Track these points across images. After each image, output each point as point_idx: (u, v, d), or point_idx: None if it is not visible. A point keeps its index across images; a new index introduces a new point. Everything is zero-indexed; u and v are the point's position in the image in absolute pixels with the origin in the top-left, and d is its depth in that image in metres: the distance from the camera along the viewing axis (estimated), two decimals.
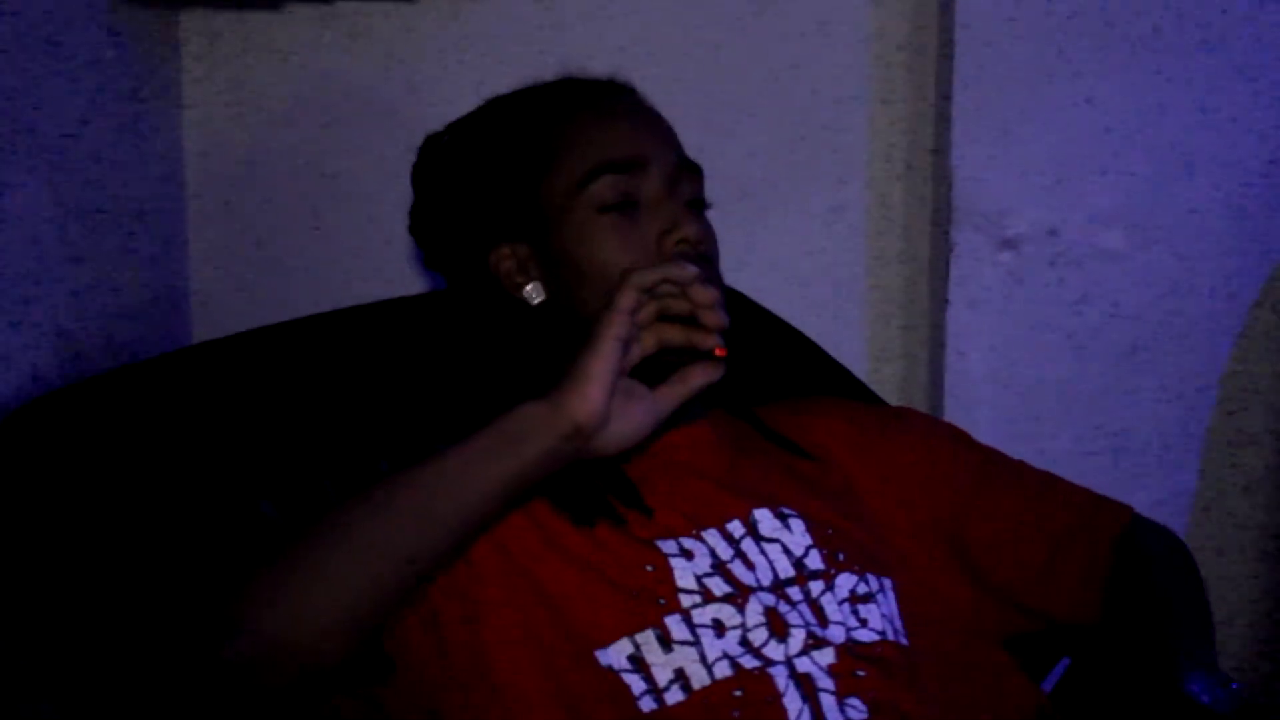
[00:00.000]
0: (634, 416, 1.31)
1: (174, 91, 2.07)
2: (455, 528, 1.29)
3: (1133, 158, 2.09)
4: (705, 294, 1.30)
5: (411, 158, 1.58)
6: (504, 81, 1.58)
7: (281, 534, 1.33)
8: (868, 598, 1.39)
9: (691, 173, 1.49)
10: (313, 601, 1.23)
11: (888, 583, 1.42)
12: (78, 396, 1.59)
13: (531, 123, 1.49)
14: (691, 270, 1.31)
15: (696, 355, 1.34)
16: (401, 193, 1.60)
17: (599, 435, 1.29)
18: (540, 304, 1.47)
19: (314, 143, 2.11)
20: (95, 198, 1.83)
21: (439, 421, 1.60)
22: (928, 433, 1.59)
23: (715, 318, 1.31)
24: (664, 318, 1.32)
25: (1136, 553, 1.50)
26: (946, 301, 2.09)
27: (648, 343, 1.31)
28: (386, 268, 2.11)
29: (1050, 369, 2.12)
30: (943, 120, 2.09)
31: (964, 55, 2.04)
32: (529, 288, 1.47)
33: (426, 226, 1.56)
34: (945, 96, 2.07)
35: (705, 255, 1.44)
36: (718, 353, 1.33)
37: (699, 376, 1.33)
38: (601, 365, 1.27)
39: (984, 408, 2.11)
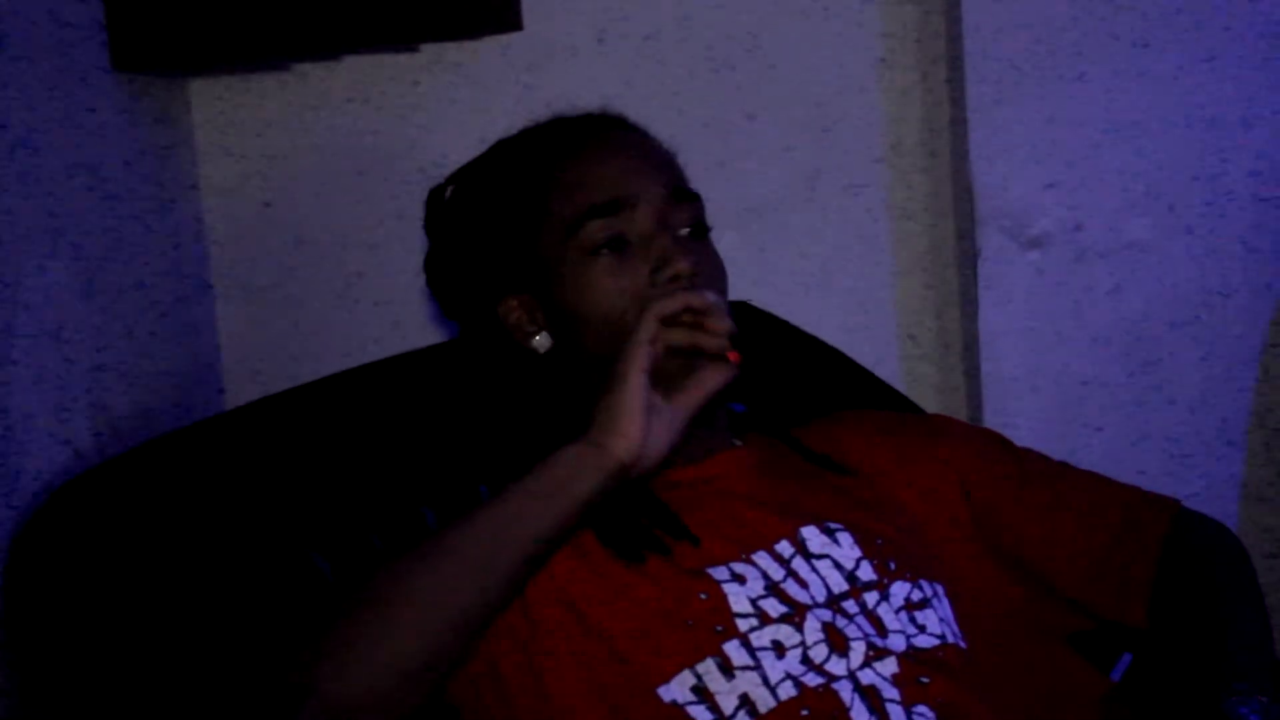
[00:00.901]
0: (660, 432, 1.35)
1: (190, 160, 2.09)
2: (511, 575, 1.31)
3: (1154, 148, 2.07)
4: (720, 322, 1.36)
5: (415, 207, 1.60)
6: (510, 121, 1.59)
7: (338, 593, 1.34)
8: (924, 604, 1.39)
9: (685, 201, 1.48)
10: (378, 660, 1.24)
11: (940, 588, 1.42)
12: (118, 469, 1.60)
13: (521, 172, 1.50)
14: (710, 298, 1.36)
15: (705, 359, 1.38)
16: (419, 242, 1.61)
17: (641, 460, 1.33)
18: (549, 351, 1.49)
19: (329, 198, 2.12)
20: (120, 273, 1.84)
21: (471, 468, 1.62)
22: (966, 438, 1.58)
23: (720, 323, 1.35)
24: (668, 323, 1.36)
25: (1187, 551, 1.49)
26: (977, 305, 2.08)
27: (655, 348, 1.35)
28: (411, 319, 2.12)
29: (1085, 365, 2.10)
30: (959, 123, 2.08)
31: (975, 53, 2.03)
32: (537, 338, 1.49)
33: (438, 278, 1.57)
34: (960, 98, 2.07)
35: (701, 287, 1.44)
36: (730, 357, 1.37)
37: (713, 378, 1.37)
38: (633, 401, 1.33)
39: (1022, 408, 2.10)
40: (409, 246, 2.02)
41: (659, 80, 2.13)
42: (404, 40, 2.05)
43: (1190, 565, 1.47)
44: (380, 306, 2.13)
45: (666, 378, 1.37)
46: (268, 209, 2.12)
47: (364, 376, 1.77)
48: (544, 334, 1.49)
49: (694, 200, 1.49)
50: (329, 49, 2.03)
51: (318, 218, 2.13)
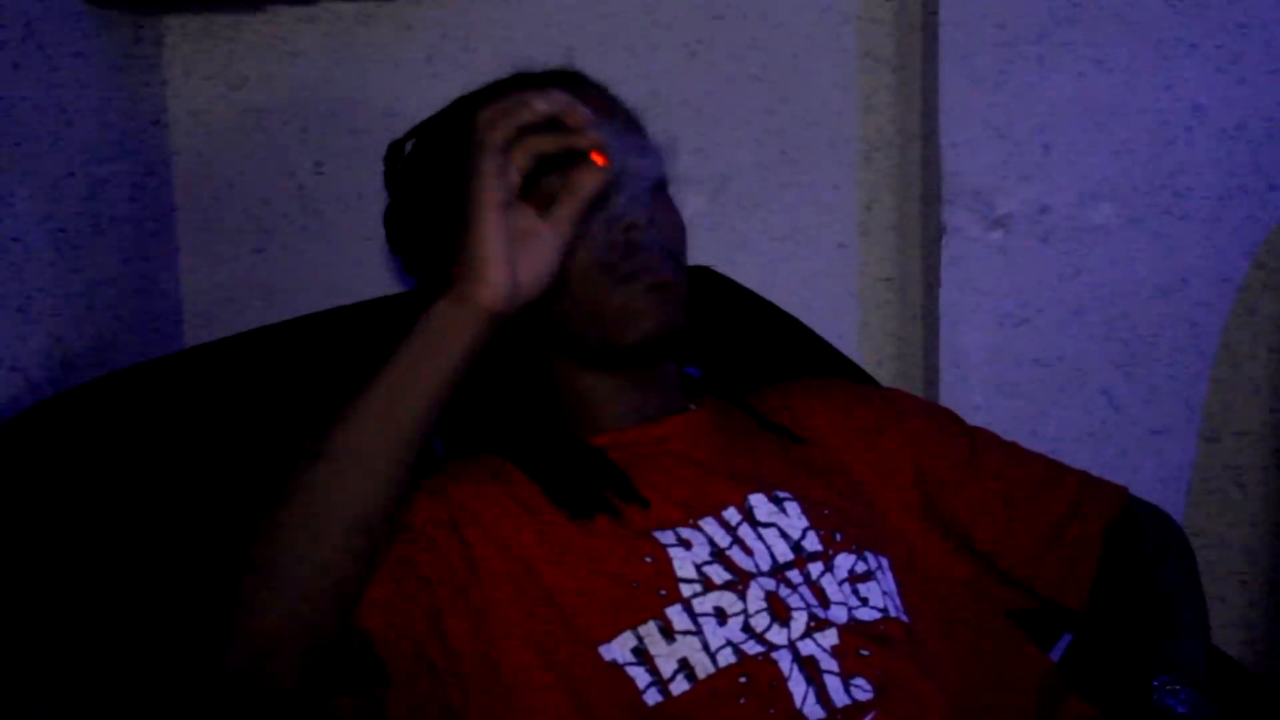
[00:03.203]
0: (535, 262, 1.28)
1: (159, 97, 2.07)
2: (404, 457, 1.27)
3: (1121, 131, 2.09)
4: (579, 112, 1.27)
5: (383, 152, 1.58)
6: (486, 77, 1.59)
7: (250, 514, 1.31)
8: (867, 576, 1.39)
9: None
10: (293, 583, 1.21)
11: (885, 560, 1.42)
12: (72, 402, 1.59)
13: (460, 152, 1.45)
14: (555, 94, 1.26)
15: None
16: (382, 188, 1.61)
17: (516, 298, 1.27)
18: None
19: (300, 143, 2.11)
20: (83, 206, 1.83)
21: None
22: (916, 412, 1.59)
23: (579, 115, 1.27)
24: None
25: (1130, 538, 1.50)
26: (939, 282, 2.08)
27: (520, 162, 1.26)
28: (376, 268, 2.11)
29: (1045, 347, 2.12)
30: (929, 100, 2.09)
31: (948, 33, 2.04)
32: None
33: (397, 234, 1.56)
34: (931, 76, 2.07)
35: (656, 239, 1.43)
36: (597, 160, 1.28)
37: (589, 182, 1.29)
38: (488, 244, 1.25)
39: (979, 387, 2.11)
40: (380, 194, 2.01)
41: (636, 44, 2.13)
42: None
43: (1132, 553, 1.49)
44: (348, 254, 2.12)
45: (547, 198, 1.31)
46: (236, 151, 2.11)
47: (326, 322, 1.77)
48: None
49: (651, 152, 1.45)
50: None
51: (287, 163, 2.11)
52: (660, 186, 1.47)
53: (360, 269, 2.11)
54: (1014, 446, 1.58)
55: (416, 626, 1.31)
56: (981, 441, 1.57)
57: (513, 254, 1.26)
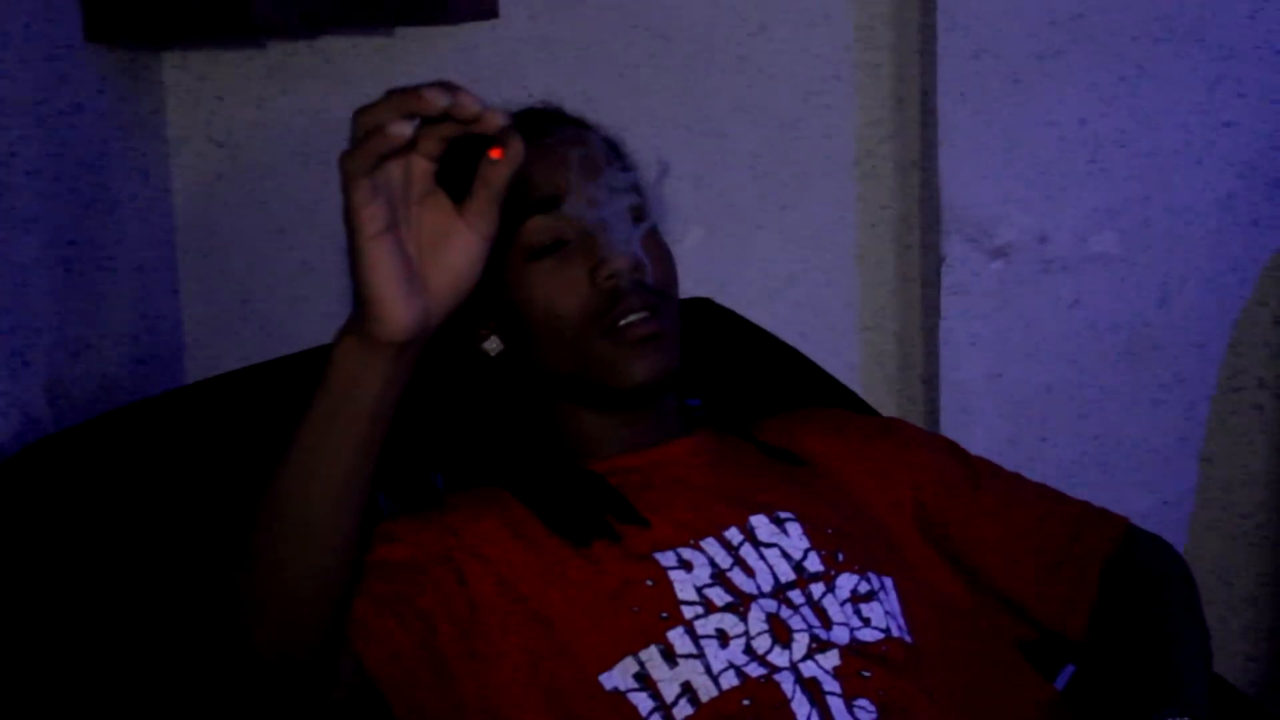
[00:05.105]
0: (460, 252, 1.14)
1: (159, 134, 2.08)
2: (344, 503, 1.18)
3: (1119, 161, 2.09)
4: (470, 103, 1.08)
5: None
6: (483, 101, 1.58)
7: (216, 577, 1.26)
8: (869, 596, 1.39)
9: (620, 188, 1.44)
10: (270, 644, 1.20)
11: (889, 581, 1.42)
12: (73, 440, 1.59)
13: None
14: (437, 90, 1.07)
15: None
16: None
17: (430, 316, 1.14)
18: (499, 355, 1.47)
19: (297, 177, 2.12)
20: (86, 245, 1.83)
21: (423, 455, 1.60)
22: (919, 442, 1.59)
23: (470, 103, 1.08)
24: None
25: (1131, 569, 1.49)
26: (939, 312, 2.08)
27: (429, 148, 1.11)
28: None
29: (1045, 376, 2.12)
30: (929, 130, 2.09)
31: (947, 64, 2.05)
32: (486, 342, 1.47)
33: None
34: (930, 106, 2.08)
35: (642, 283, 1.41)
36: (495, 154, 1.12)
37: (502, 167, 1.13)
38: (378, 277, 1.10)
39: (980, 417, 2.11)
40: None
41: (630, 73, 2.13)
42: (381, 22, 2.05)
43: (1134, 584, 1.48)
44: (347, 288, 2.12)
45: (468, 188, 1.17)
46: (236, 185, 2.12)
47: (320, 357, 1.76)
48: (494, 338, 1.47)
49: (631, 187, 1.45)
50: (304, 28, 2.03)
51: (286, 195, 2.12)
52: (643, 218, 1.45)
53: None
54: (1015, 477, 1.58)
55: (415, 659, 1.31)
56: (983, 472, 1.56)
57: (415, 271, 1.13)
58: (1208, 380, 2.17)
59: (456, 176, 1.15)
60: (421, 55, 2.11)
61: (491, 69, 2.11)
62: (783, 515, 1.42)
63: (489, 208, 1.14)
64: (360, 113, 1.09)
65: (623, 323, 1.41)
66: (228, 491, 1.59)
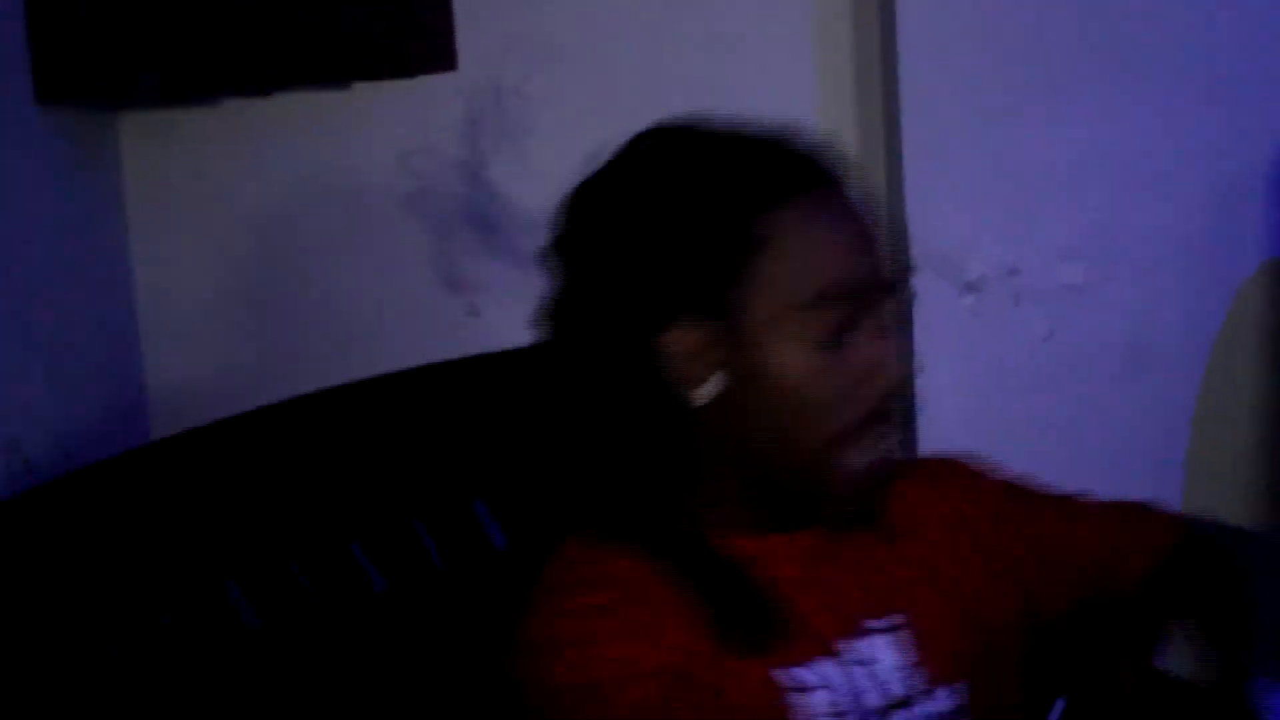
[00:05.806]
0: None
1: (117, 195, 2.06)
2: None
3: (1089, 190, 2.09)
4: None
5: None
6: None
7: None
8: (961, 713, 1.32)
9: (897, 285, 1.33)
10: None
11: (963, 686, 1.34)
12: (32, 503, 1.56)
13: (732, 187, 1.25)
14: None
15: None
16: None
17: None
18: (705, 405, 1.25)
19: (258, 233, 2.10)
20: (43, 310, 1.80)
21: (465, 483, 1.56)
22: (978, 477, 1.52)
23: None
24: None
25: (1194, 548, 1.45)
26: (912, 348, 2.07)
27: None
28: (341, 357, 2.09)
29: (1022, 409, 2.11)
30: (894, 166, 2.08)
31: (911, 96, 2.04)
32: (705, 385, 1.24)
33: (578, 300, 1.28)
34: (895, 142, 2.07)
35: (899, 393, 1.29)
36: None
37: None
38: None
39: (957, 452, 2.09)
40: (342, 284, 2.00)
41: (593, 119, 2.12)
42: (337, 80, 2.03)
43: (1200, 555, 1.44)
44: (312, 343, 2.10)
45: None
46: (196, 245, 2.10)
47: (291, 411, 1.74)
48: (715, 379, 1.24)
49: (906, 284, 1.37)
50: (260, 86, 2.01)
51: (247, 254, 2.10)
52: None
53: (326, 358, 2.08)
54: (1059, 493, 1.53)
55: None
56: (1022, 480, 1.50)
57: None
58: (1184, 409, 2.16)
59: None
60: (380, 109, 2.09)
61: (450, 120, 2.09)
62: (888, 623, 1.31)
63: None
64: None
65: (880, 447, 1.27)
66: (194, 553, 1.56)
